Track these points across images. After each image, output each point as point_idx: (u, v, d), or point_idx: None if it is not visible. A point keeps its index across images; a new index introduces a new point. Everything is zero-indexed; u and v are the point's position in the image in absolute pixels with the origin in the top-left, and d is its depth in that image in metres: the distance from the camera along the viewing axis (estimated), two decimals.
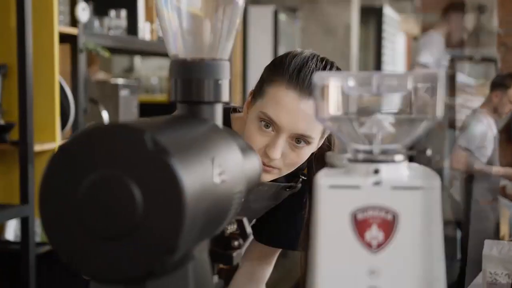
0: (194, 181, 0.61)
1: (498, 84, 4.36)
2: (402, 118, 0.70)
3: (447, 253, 0.70)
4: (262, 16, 5.23)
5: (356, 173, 0.68)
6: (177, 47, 0.79)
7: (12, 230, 2.73)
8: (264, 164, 1.27)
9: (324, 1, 5.62)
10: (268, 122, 1.26)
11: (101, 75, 4.18)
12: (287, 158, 1.28)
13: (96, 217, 0.60)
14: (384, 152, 0.69)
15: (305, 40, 5.79)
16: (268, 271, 1.52)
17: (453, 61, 4.46)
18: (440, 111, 0.67)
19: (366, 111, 0.71)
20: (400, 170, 0.68)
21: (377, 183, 0.66)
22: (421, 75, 0.68)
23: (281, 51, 5.99)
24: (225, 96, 0.79)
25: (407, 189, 0.66)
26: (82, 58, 2.78)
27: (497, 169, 4.56)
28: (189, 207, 0.59)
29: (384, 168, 0.67)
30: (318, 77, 0.69)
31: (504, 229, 3.98)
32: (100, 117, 3.00)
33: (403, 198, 0.66)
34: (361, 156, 0.69)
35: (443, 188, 4.87)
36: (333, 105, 0.70)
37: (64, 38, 2.72)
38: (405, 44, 9.54)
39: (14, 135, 2.46)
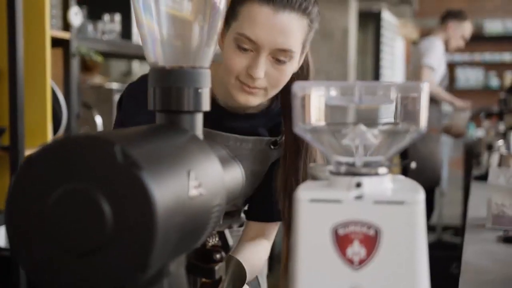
0: (166, 195, 0.59)
1: (452, 16, 4.51)
2: (386, 130, 0.67)
3: None
4: None
5: (338, 186, 0.66)
6: (156, 55, 0.77)
7: (3, 236, 2.70)
8: (248, 86, 1.25)
9: (322, 5, 5.59)
10: (245, 43, 1.22)
11: (98, 79, 4.15)
12: (270, 77, 1.25)
13: (64, 231, 0.58)
14: (367, 164, 0.67)
15: None
16: (267, 249, 1.46)
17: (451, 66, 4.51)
18: (424, 123, 0.64)
19: (348, 122, 0.68)
20: (383, 184, 0.66)
21: (359, 197, 0.64)
22: (405, 86, 0.66)
23: None
24: (205, 105, 0.77)
25: (390, 204, 0.63)
26: (75, 63, 2.75)
27: (461, 103, 4.71)
28: (160, 222, 0.57)
29: (366, 181, 0.65)
30: (298, 86, 0.67)
31: None
32: (94, 122, 2.97)
33: (386, 213, 0.63)
34: (343, 168, 0.67)
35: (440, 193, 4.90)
36: (314, 115, 0.67)
37: (57, 42, 2.69)
38: (404, 49, 9.53)
39: (5, 140, 2.44)
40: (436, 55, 4.44)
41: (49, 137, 2.58)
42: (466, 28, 4.58)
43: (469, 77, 10.22)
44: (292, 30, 1.23)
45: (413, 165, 0.65)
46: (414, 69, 4.57)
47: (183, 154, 0.67)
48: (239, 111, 1.37)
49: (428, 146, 4.39)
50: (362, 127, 0.66)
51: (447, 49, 4.62)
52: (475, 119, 9.78)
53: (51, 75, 2.59)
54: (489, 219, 1.82)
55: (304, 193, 0.65)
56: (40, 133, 2.54)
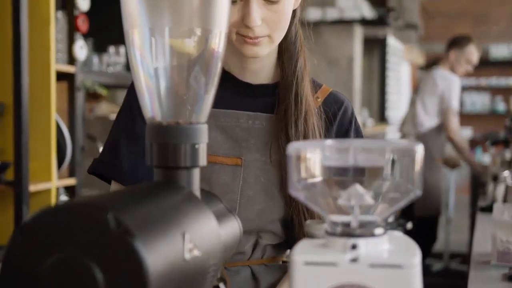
0: (160, 262, 0.59)
1: (452, 44, 4.54)
2: (381, 191, 0.67)
3: None
4: None
5: (333, 247, 0.65)
6: (153, 110, 0.77)
7: None
8: (250, 38, 1.19)
9: (327, 32, 5.62)
10: None
11: (104, 107, 4.17)
12: (269, 21, 1.19)
13: None
14: (362, 225, 0.66)
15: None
16: None
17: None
18: (419, 186, 0.64)
19: (344, 182, 0.68)
20: (379, 245, 0.65)
21: (354, 260, 0.63)
22: (398, 148, 0.65)
23: None
24: (202, 161, 0.77)
25: (386, 267, 0.63)
26: (80, 96, 2.77)
27: (477, 168, 4.76)
28: None
29: (362, 243, 0.64)
30: (293, 147, 0.67)
31: None
32: (98, 153, 2.97)
33: (381, 276, 0.63)
34: (338, 229, 0.66)
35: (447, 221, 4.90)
36: (309, 175, 0.67)
37: (62, 76, 2.71)
38: (410, 73, 9.54)
39: (9, 174, 2.44)
40: (457, 96, 4.50)
41: (54, 171, 2.59)
42: (469, 53, 4.58)
43: (476, 101, 10.23)
44: None
45: (409, 225, 0.64)
46: (430, 105, 4.53)
47: (178, 215, 0.67)
48: (253, 81, 1.31)
49: (432, 175, 4.39)
50: (358, 188, 0.66)
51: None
52: (482, 144, 9.78)
53: (56, 108, 2.60)
54: (494, 256, 1.81)
55: (299, 256, 0.64)
56: (45, 168, 2.54)
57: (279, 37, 1.23)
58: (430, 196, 4.36)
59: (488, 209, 2.82)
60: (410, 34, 9.77)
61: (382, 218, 0.67)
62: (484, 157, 5.94)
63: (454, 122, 4.45)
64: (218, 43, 0.77)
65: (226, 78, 1.30)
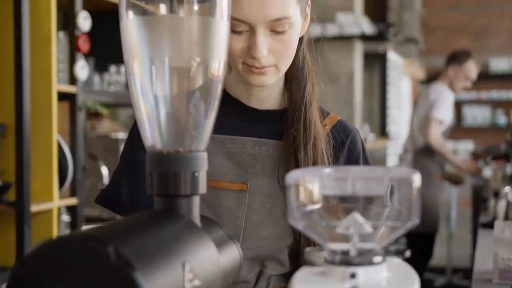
0: None
1: (451, 59, 4.52)
2: (380, 219, 0.67)
3: None
4: None
5: (333, 276, 0.66)
6: (153, 139, 0.78)
7: None
8: (256, 67, 1.17)
9: (327, 49, 5.65)
10: (237, 25, 1.14)
11: (106, 124, 4.18)
12: (275, 52, 1.17)
13: None
14: (361, 253, 0.67)
15: None
16: None
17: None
18: (416, 215, 0.65)
19: (343, 210, 0.69)
20: (378, 273, 0.66)
21: None
22: (397, 177, 0.66)
23: None
24: (202, 188, 0.77)
25: None
26: (81, 116, 2.78)
27: (468, 167, 4.69)
28: None
29: (361, 271, 0.65)
30: (291, 177, 0.67)
31: None
32: (100, 172, 2.99)
33: None
34: (337, 258, 0.67)
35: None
36: (308, 204, 0.68)
37: (63, 96, 2.73)
38: (411, 87, 9.57)
39: (11, 195, 2.45)
40: (445, 108, 4.45)
41: (55, 191, 2.59)
42: (468, 69, 4.57)
43: (476, 114, 10.25)
44: None
45: (407, 253, 0.64)
46: (422, 119, 4.52)
47: (178, 244, 0.68)
48: (260, 107, 1.30)
49: (429, 192, 4.38)
50: (357, 216, 0.67)
51: (453, 91, 4.62)
52: (483, 157, 9.77)
53: (57, 128, 2.61)
54: (495, 274, 1.81)
55: (299, 285, 0.65)
56: (46, 188, 2.55)
57: (285, 66, 1.22)
58: (427, 213, 4.34)
59: (490, 225, 2.82)
60: (410, 48, 9.81)
61: (381, 246, 0.67)
62: (486, 171, 5.94)
63: (433, 127, 4.34)
64: (218, 71, 0.78)
65: (233, 104, 1.30)
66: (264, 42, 1.15)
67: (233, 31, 1.15)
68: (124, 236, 0.63)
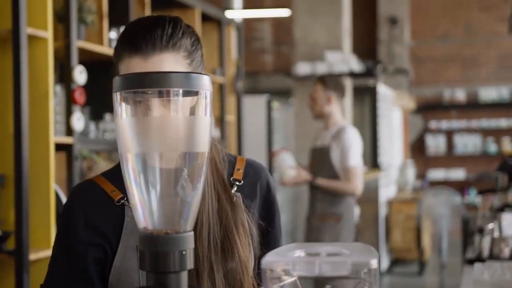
0: None
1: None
2: None
3: None
4: (256, 105, 5.39)
5: None
6: (146, 221, 0.89)
7: None
8: None
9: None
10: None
11: (103, 166, 4.26)
12: None
13: None
14: None
15: (298, 123, 5.92)
16: None
17: None
18: None
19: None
20: None
21: None
22: (357, 263, 0.76)
23: (276, 137, 6.11)
24: (189, 264, 0.88)
25: None
26: (77, 165, 2.88)
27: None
28: None
29: None
30: (267, 262, 0.78)
31: None
32: None
33: None
34: None
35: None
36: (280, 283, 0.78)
37: (60, 146, 2.83)
38: (402, 118, 9.70)
39: (10, 244, 2.54)
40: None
41: (53, 239, 2.68)
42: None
43: (467, 143, 10.37)
44: (169, 69, 1.22)
45: None
46: None
47: None
48: None
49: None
50: None
51: None
52: (475, 185, 9.88)
53: (54, 177, 2.71)
54: None
55: None
56: (45, 236, 2.64)
57: None
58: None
59: (476, 261, 2.89)
60: (401, 79, 9.97)
61: None
62: (477, 199, 6.03)
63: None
64: (203, 161, 0.90)
65: None
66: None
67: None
68: None
